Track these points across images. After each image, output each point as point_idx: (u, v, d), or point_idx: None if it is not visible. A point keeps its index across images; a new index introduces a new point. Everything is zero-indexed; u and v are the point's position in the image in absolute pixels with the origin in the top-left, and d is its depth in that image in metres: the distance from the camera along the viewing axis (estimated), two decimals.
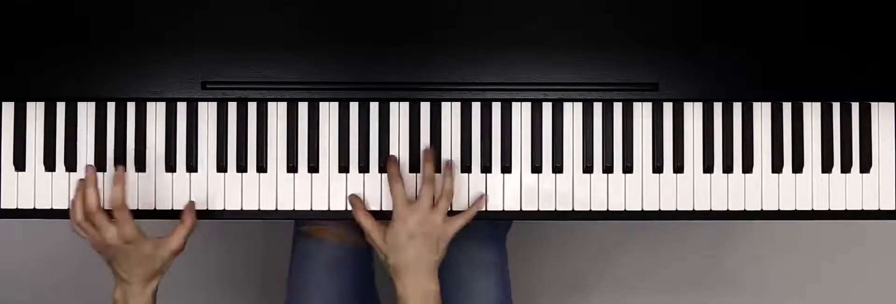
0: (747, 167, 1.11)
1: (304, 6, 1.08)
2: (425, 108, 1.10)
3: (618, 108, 1.11)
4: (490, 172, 1.10)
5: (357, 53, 1.08)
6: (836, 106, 1.12)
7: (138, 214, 1.07)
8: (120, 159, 1.10)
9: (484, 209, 1.10)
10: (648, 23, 1.09)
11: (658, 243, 1.80)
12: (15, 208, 1.11)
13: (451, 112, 1.11)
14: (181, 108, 1.10)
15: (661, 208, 1.11)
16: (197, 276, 1.78)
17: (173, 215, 1.09)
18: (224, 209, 1.10)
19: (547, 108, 1.11)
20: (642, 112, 1.11)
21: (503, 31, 1.08)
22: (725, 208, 1.11)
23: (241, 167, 1.10)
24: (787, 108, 1.11)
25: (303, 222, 1.26)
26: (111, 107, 1.10)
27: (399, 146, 1.10)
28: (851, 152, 1.11)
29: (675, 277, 1.80)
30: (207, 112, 1.10)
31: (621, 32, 1.09)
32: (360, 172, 1.10)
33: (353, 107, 1.10)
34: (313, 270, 1.25)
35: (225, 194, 1.10)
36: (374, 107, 1.10)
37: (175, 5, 1.08)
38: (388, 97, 1.09)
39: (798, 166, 1.11)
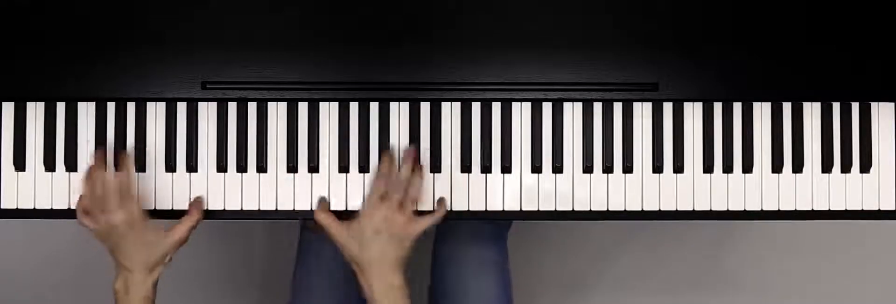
0: (747, 167, 1.11)
1: (304, 6, 1.08)
2: (425, 108, 1.10)
3: (618, 108, 1.11)
4: (490, 172, 1.10)
5: (357, 53, 1.08)
6: (836, 106, 1.12)
7: None
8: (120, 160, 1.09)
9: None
10: (648, 23, 1.09)
11: (658, 243, 1.80)
12: (15, 208, 1.10)
13: (451, 112, 1.11)
14: (181, 108, 1.10)
15: (661, 208, 1.10)
16: (197, 276, 1.78)
17: (173, 215, 1.08)
18: (224, 209, 1.10)
19: (547, 108, 1.11)
20: (642, 112, 1.11)
21: (503, 31, 1.08)
22: (725, 208, 1.11)
23: (241, 167, 1.10)
24: (787, 108, 1.11)
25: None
26: (111, 107, 1.10)
27: (399, 146, 1.10)
28: (851, 152, 1.11)
29: (675, 277, 1.80)
30: (207, 112, 1.10)
31: (621, 32, 1.09)
32: (360, 172, 1.10)
33: (353, 107, 1.10)
34: (318, 265, 1.25)
35: (225, 194, 1.10)
36: (374, 107, 1.10)
37: (175, 5, 1.08)
38: (388, 97, 1.09)
39: (798, 166, 1.11)
